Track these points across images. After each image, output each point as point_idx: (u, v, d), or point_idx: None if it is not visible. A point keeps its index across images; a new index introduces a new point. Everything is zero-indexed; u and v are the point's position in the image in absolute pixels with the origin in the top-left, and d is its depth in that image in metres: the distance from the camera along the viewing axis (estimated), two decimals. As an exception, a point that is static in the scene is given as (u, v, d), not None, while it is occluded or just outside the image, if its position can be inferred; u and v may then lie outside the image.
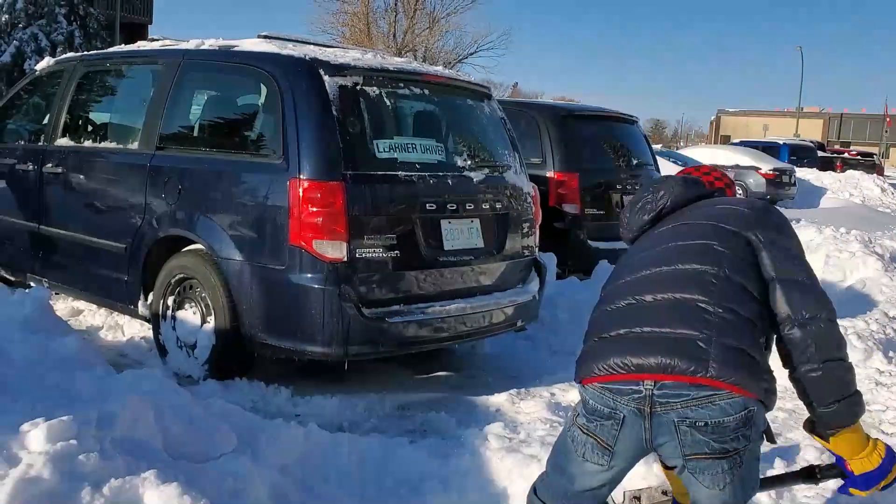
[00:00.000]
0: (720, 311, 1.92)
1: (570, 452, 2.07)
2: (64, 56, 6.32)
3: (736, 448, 1.89)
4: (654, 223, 2.25)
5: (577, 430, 2.04)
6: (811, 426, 2.09)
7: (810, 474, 2.23)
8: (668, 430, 1.89)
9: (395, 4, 39.10)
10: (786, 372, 2.10)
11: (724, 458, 1.89)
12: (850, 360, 1.99)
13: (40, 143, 5.58)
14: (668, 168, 10.45)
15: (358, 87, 4.31)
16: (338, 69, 4.28)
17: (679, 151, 18.02)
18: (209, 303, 4.38)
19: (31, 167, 5.51)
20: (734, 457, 1.90)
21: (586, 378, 2.01)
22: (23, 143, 5.91)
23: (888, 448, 2.06)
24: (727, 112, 66.02)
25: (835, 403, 1.96)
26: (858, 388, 1.99)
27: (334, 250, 4.04)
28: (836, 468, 2.13)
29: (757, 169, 17.43)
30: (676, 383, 1.87)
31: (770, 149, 21.25)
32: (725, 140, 47.28)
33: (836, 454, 2.06)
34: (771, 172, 17.38)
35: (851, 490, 2.10)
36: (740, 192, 16.38)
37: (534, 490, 2.25)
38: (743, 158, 17.93)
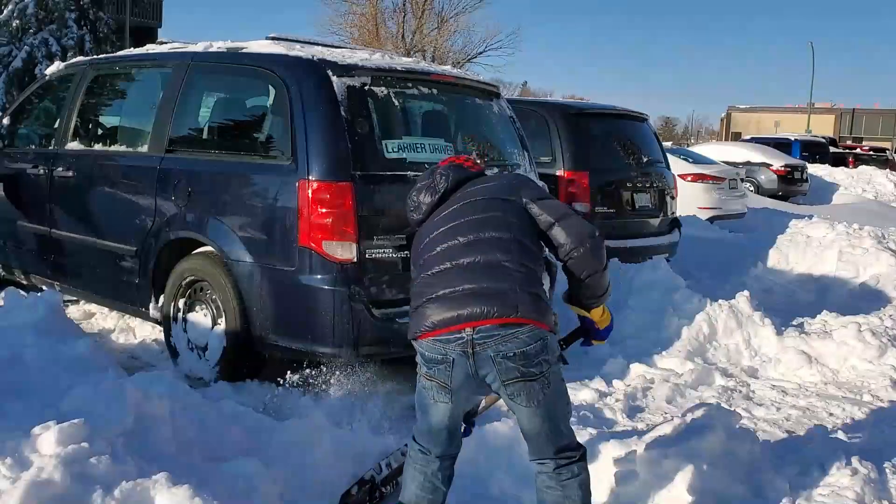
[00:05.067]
0: (519, 267, 2.50)
1: (424, 399, 2.59)
2: (74, 60, 6.34)
3: (541, 371, 2.46)
4: (439, 203, 2.77)
5: (423, 380, 2.56)
6: (570, 299, 2.82)
7: (581, 335, 2.98)
8: (488, 363, 2.43)
9: (404, 5, 39.05)
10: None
11: (533, 381, 2.45)
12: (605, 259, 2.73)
13: (51, 147, 5.60)
14: (678, 166, 10.40)
15: (366, 88, 4.30)
16: (346, 70, 4.27)
17: (690, 149, 17.91)
18: (220, 305, 4.38)
19: (41, 171, 5.53)
20: (540, 379, 2.46)
21: (420, 335, 2.49)
22: (34, 147, 5.94)
23: (610, 311, 2.92)
24: (738, 109, 65.65)
25: (603, 295, 2.77)
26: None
27: (344, 251, 4.03)
28: (582, 330, 2.95)
29: (768, 165, 17.33)
30: (491, 326, 2.41)
31: (782, 145, 21.10)
32: (736, 137, 47.05)
33: (589, 319, 2.87)
34: (783, 169, 17.27)
35: (595, 341, 2.97)
36: (752, 188, 16.30)
37: (412, 436, 2.73)
38: (754, 155, 17.81)
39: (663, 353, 5.26)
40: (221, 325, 4.40)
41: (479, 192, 2.74)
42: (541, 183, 2.82)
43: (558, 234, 2.66)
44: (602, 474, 3.25)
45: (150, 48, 5.71)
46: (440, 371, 2.49)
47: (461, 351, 2.44)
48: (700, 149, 17.65)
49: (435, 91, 4.79)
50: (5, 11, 17.75)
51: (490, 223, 2.60)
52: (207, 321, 4.48)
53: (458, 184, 2.80)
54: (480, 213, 2.64)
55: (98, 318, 5.76)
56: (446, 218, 2.69)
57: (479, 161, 3.03)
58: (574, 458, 2.62)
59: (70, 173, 5.32)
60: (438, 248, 2.60)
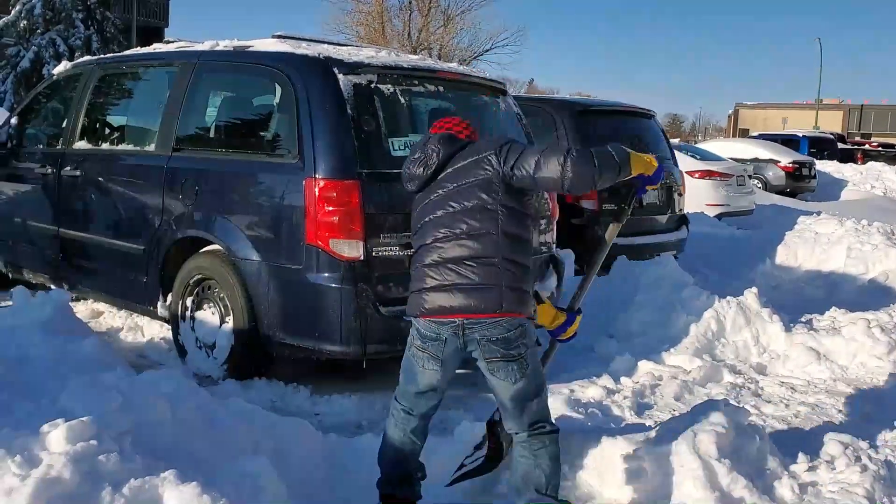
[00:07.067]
0: (508, 265, 2.79)
1: (414, 366, 2.93)
2: (81, 60, 6.36)
3: (520, 353, 2.81)
4: (432, 177, 2.92)
5: (415, 350, 2.91)
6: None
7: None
8: (474, 344, 2.81)
9: (410, 2, 39.02)
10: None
11: (512, 361, 2.81)
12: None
13: (58, 147, 5.62)
14: (686, 162, 10.37)
15: (372, 86, 4.31)
16: (352, 68, 4.28)
17: (697, 145, 17.84)
18: (227, 303, 4.39)
19: (49, 170, 5.55)
20: (519, 360, 2.82)
21: (421, 315, 2.84)
22: (41, 146, 5.96)
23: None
24: (745, 105, 65.38)
25: (620, 171, 3.02)
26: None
27: (351, 249, 4.04)
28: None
29: (776, 162, 17.24)
30: (478, 318, 2.77)
31: (789, 141, 21.02)
32: (744, 133, 46.87)
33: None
34: (790, 165, 17.19)
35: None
36: (759, 185, 16.24)
37: (395, 398, 3.06)
38: (762, 151, 17.73)
39: (671, 350, 5.24)
40: (229, 323, 4.41)
41: (467, 171, 2.87)
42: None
43: (542, 182, 2.81)
44: (610, 471, 3.24)
45: (157, 48, 5.73)
46: (434, 346, 2.86)
47: (453, 332, 2.81)
48: (708, 145, 17.60)
49: (441, 89, 4.79)
50: (13, 12, 17.82)
51: (477, 214, 2.81)
52: (215, 319, 4.49)
53: (450, 157, 2.92)
54: (469, 201, 2.82)
55: (106, 316, 5.78)
56: (437, 201, 2.88)
57: (468, 125, 3.09)
58: (545, 430, 2.92)
59: (78, 172, 5.34)
60: (430, 238, 2.85)
